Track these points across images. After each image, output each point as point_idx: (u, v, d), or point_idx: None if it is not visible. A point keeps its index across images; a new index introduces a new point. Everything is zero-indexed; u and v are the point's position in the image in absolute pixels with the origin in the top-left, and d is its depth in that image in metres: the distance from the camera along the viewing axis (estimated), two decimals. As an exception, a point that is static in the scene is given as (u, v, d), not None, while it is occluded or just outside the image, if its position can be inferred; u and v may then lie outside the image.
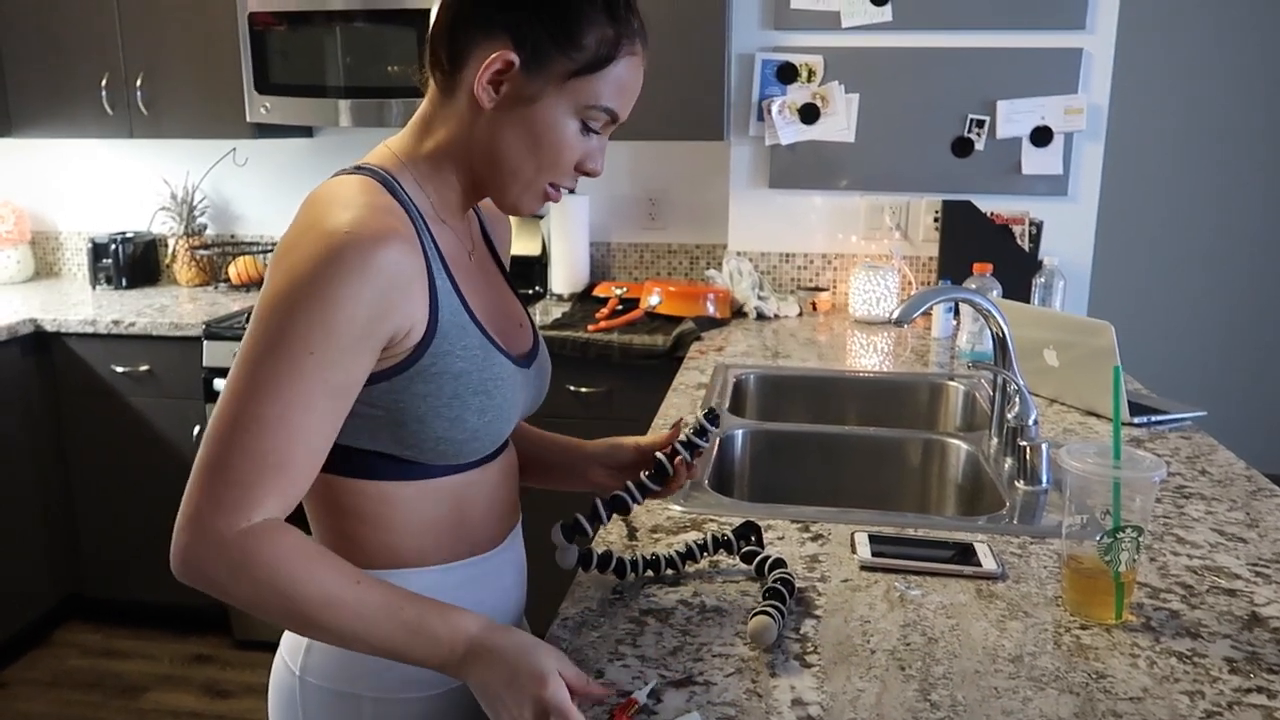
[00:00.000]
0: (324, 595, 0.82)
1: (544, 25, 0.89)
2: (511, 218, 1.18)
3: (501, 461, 1.05)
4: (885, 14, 2.72)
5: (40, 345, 2.80)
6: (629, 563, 1.10)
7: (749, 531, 1.14)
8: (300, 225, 0.86)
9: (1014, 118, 2.72)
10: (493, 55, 0.89)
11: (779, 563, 1.09)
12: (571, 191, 0.95)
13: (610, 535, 1.23)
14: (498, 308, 1.04)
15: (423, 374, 0.89)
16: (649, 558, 1.11)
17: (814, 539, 1.23)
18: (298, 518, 0.90)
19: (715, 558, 1.15)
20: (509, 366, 0.98)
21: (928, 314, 2.60)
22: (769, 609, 0.98)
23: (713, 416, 1.06)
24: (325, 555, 0.85)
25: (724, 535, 1.13)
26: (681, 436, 1.08)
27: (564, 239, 2.94)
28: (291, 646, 1.03)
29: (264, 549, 0.80)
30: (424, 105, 0.98)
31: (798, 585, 1.08)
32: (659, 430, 1.69)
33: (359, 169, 0.94)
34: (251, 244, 3.30)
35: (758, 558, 1.11)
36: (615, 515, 1.07)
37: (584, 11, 0.90)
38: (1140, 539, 0.99)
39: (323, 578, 0.82)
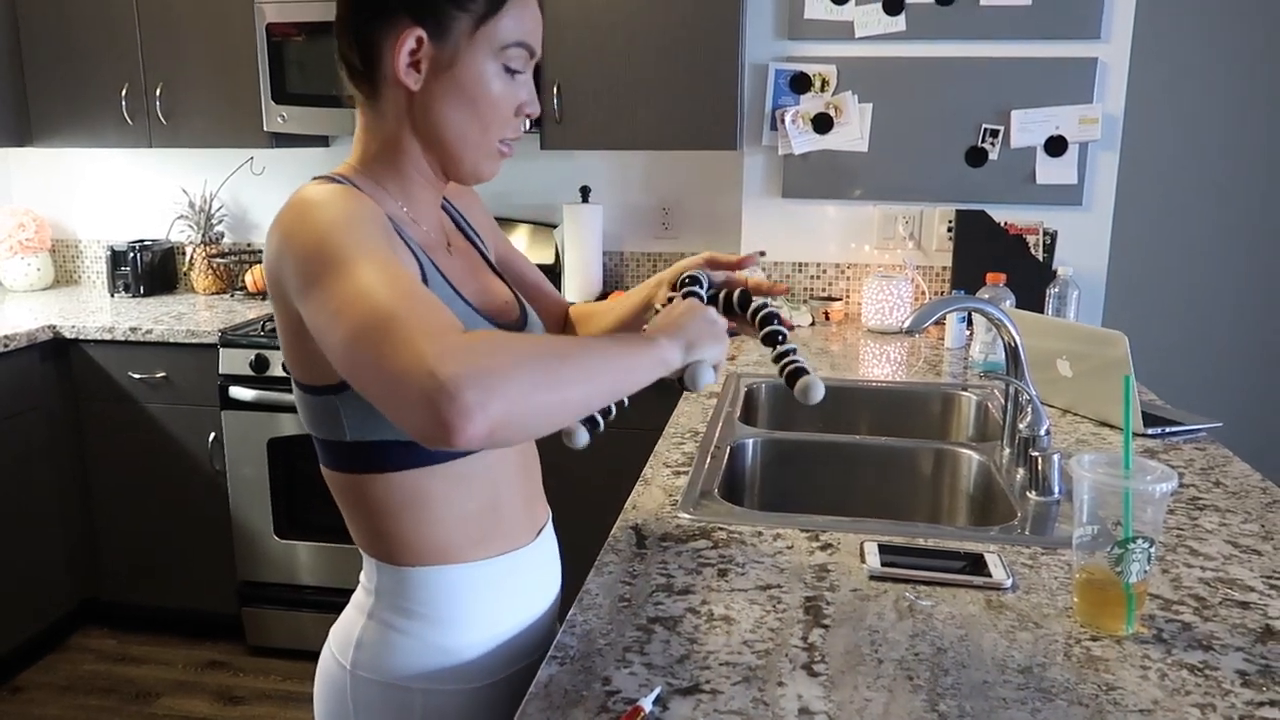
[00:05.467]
0: (560, 341, 0.85)
1: None
2: (488, 197, 1.21)
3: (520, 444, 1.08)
4: (899, 24, 2.72)
5: (59, 352, 2.83)
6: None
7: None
8: (287, 220, 0.89)
9: (1028, 127, 2.72)
10: (402, 38, 0.93)
11: (761, 306, 1.06)
12: (516, 139, 1.04)
13: (620, 545, 1.24)
14: (482, 291, 1.08)
15: None
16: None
17: (823, 548, 1.22)
18: (339, 522, 0.90)
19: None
20: None
21: (941, 324, 2.59)
22: (797, 365, 0.98)
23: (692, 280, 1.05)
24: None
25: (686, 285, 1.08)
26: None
27: (577, 248, 2.95)
28: (341, 642, 1.04)
29: (494, 334, 0.83)
30: (359, 116, 1.02)
31: (808, 596, 1.08)
32: (670, 439, 1.70)
33: (319, 179, 0.98)
34: (268, 252, 3.33)
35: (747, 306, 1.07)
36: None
37: None
38: (1152, 550, 0.98)
39: (539, 336, 0.86)
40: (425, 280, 0.95)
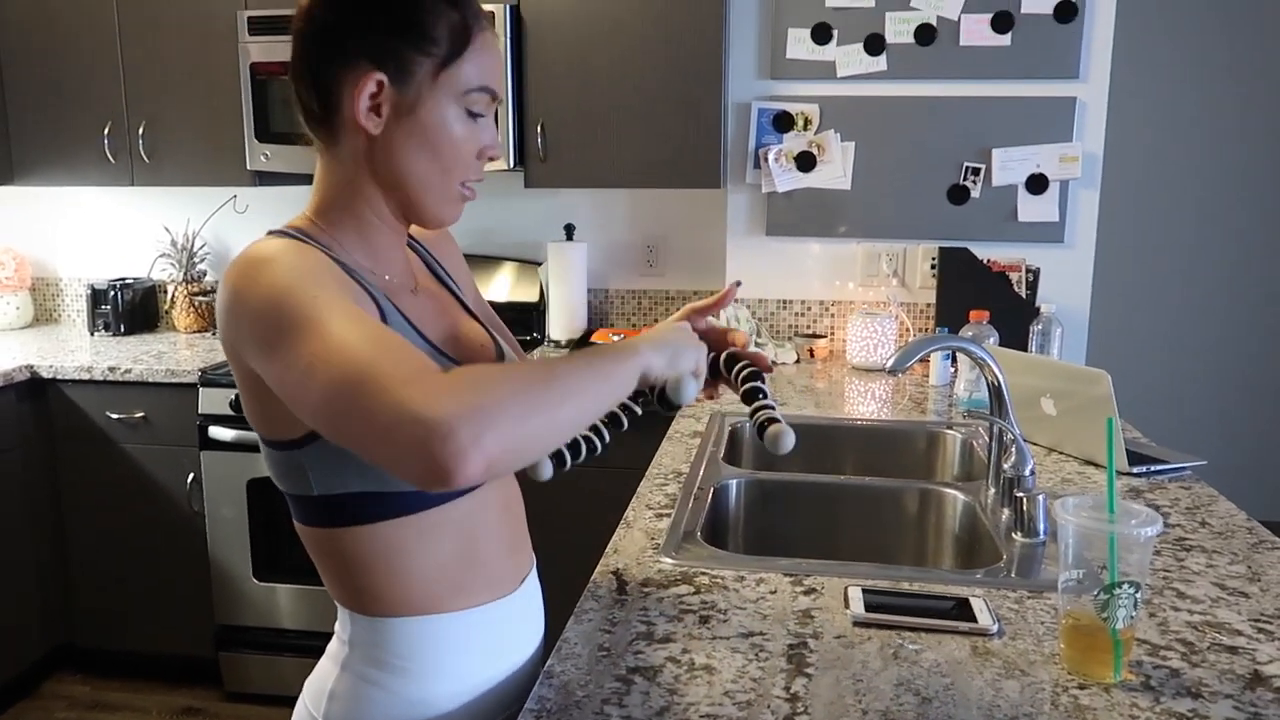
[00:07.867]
0: (541, 364, 0.84)
1: (395, 35, 0.91)
2: (456, 231, 1.19)
3: (500, 491, 1.06)
4: (880, 64, 2.75)
5: (35, 391, 2.79)
6: (597, 437, 1.08)
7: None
8: (238, 280, 0.87)
9: (1009, 165, 2.73)
10: (362, 82, 0.91)
11: (745, 366, 1.06)
12: (479, 181, 1.01)
13: (600, 591, 1.21)
14: (453, 332, 1.05)
15: None
16: (606, 420, 1.08)
17: (807, 593, 1.20)
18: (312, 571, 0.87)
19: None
20: None
21: (925, 361, 2.59)
22: (770, 415, 0.97)
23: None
24: None
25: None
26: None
27: (562, 285, 2.94)
28: (315, 694, 1.03)
29: (474, 369, 0.81)
30: (318, 161, 0.99)
31: (791, 644, 1.06)
32: (653, 479, 1.68)
33: (272, 233, 0.96)
34: (250, 290, 3.30)
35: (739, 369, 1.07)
36: (599, 445, 1.07)
37: (424, 6, 0.92)
38: (1138, 595, 0.97)
39: (518, 364, 0.84)
40: (385, 321, 0.93)
